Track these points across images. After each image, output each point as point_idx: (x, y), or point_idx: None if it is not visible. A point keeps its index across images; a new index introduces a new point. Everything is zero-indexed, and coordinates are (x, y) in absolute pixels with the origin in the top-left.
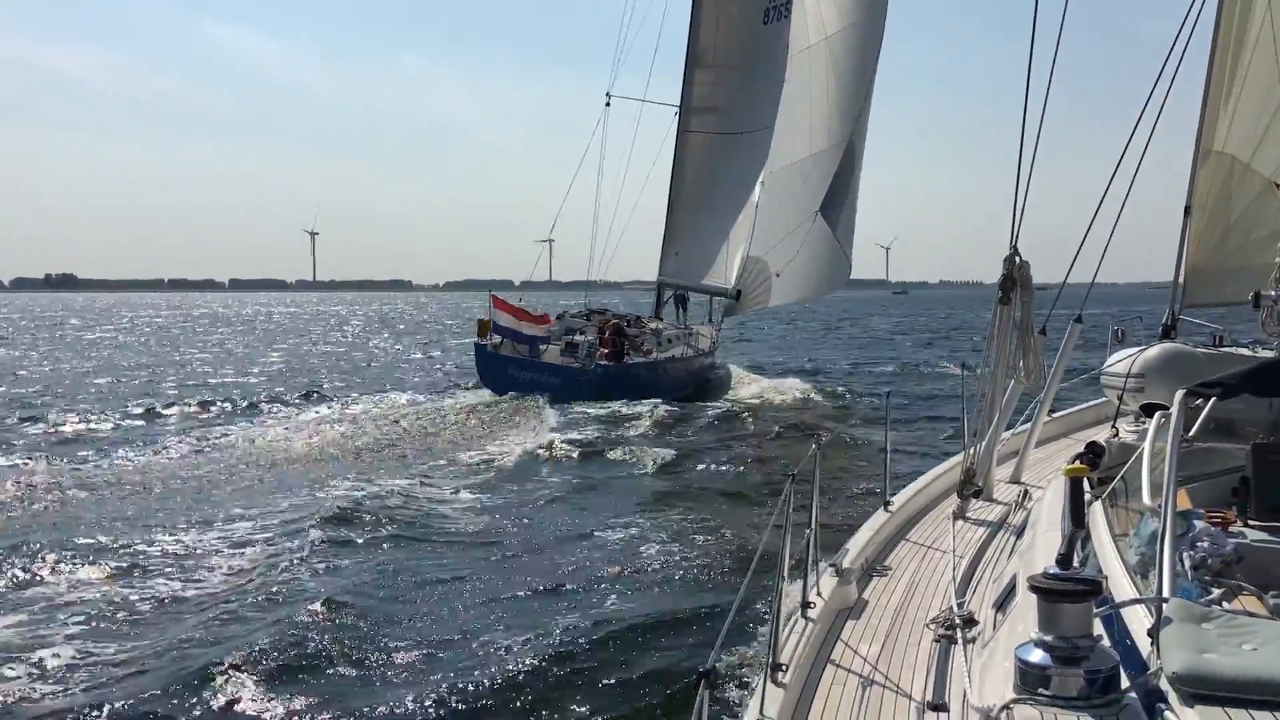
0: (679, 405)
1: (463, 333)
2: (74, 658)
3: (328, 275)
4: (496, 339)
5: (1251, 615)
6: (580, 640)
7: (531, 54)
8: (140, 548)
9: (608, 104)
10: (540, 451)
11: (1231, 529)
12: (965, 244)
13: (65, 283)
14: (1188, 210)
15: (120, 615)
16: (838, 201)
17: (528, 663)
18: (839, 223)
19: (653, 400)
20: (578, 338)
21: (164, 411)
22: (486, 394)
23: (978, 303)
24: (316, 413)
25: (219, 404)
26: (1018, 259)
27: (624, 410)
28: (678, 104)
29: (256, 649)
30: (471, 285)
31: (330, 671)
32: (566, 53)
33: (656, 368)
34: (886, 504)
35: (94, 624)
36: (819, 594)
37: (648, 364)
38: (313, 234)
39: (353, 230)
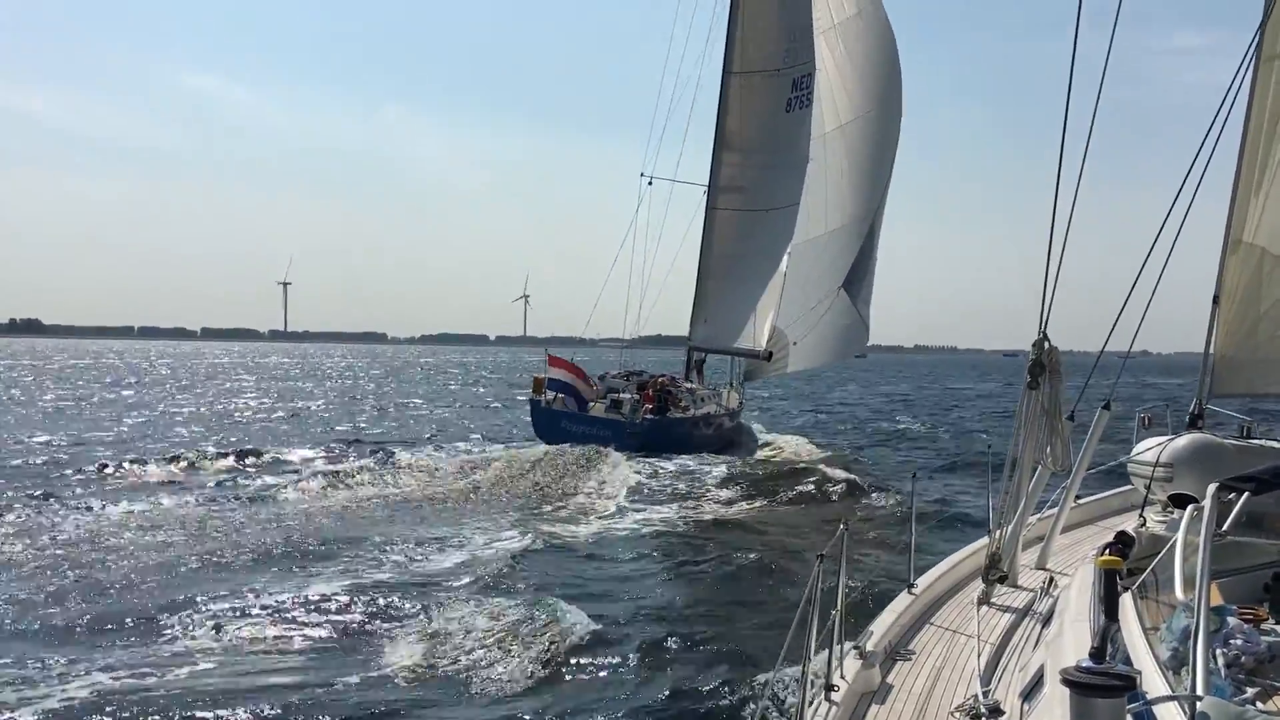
0: (715, 464)
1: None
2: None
3: (300, 325)
4: (550, 395)
5: None
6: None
7: (510, 108)
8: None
9: (650, 184)
10: (587, 515)
11: (1264, 626)
12: (942, 308)
13: (30, 328)
14: (1216, 299)
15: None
16: (858, 276)
17: None
18: (859, 295)
19: (692, 457)
20: (622, 395)
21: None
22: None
23: (944, 369)
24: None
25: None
26: (1047, 344)
27: (668, 467)
28: (705, 183)
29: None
30: (447, 339)
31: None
32: (545, 107)
33: (694, 424)
34: (910, 586)
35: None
36: (843, 676)
37: (687, 420)
38: (285, 284)
39: (326, 280)
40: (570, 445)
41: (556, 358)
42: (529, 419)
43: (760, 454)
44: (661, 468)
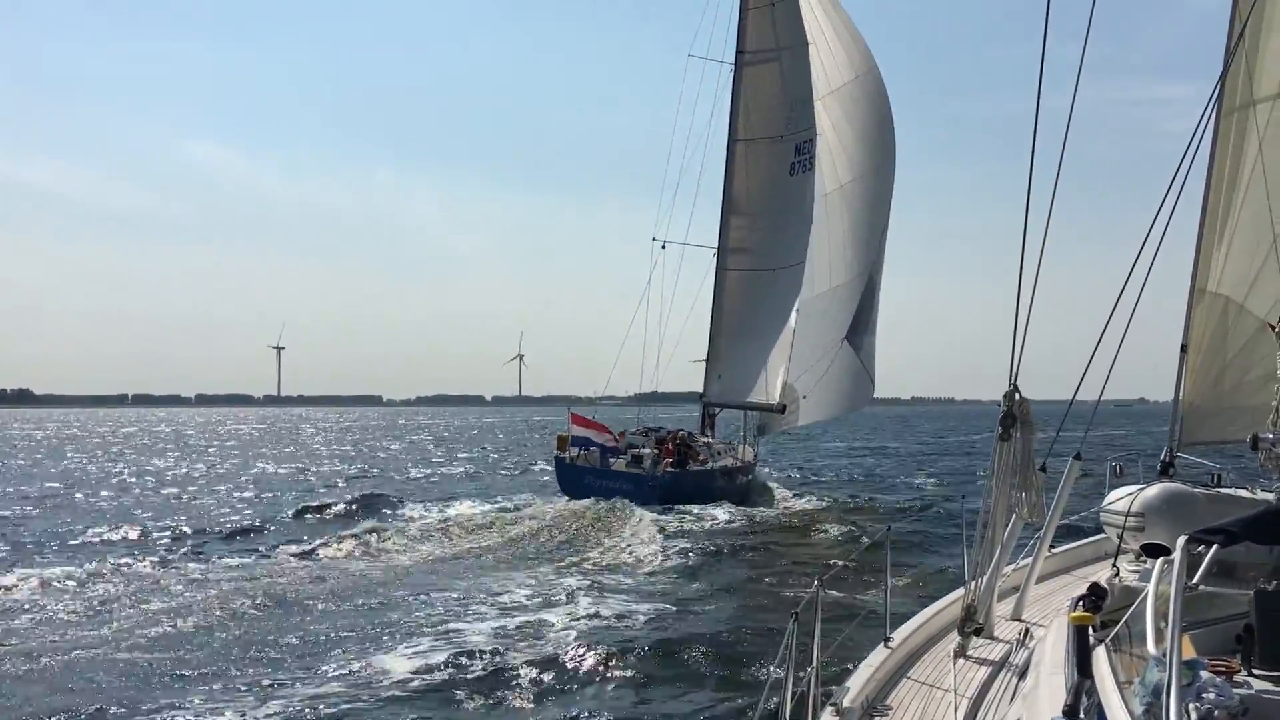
0: (720, 518)
1: None
2: None
3: (295, 389)
4: (575, 451)
5: None
6: None
7: (501, 167)
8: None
9: (663, 248)
10: (594, 569)
11: (1236, 678)
12: (939, 361)
13: (22, 398)
14: (1184, 348)
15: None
16: (861, 329)
17: None
18: (863, 347)
19: (705, 509)
20: (642, 451)
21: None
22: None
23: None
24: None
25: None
26: (1017, 395)
27: (677, 521)
28: (714, 245)
29: None
30: (443, 400)
31: None
32: (539, 170)
33: (711, 476)
34: (886, 640)
35: None
36: None
37: (705, 473)
38: (278, 349)
39: (320, 343)
40: (594, 500)
41: (580, 416)
42: (553, 474)
43: (768, 508)
44: (675, 521)
